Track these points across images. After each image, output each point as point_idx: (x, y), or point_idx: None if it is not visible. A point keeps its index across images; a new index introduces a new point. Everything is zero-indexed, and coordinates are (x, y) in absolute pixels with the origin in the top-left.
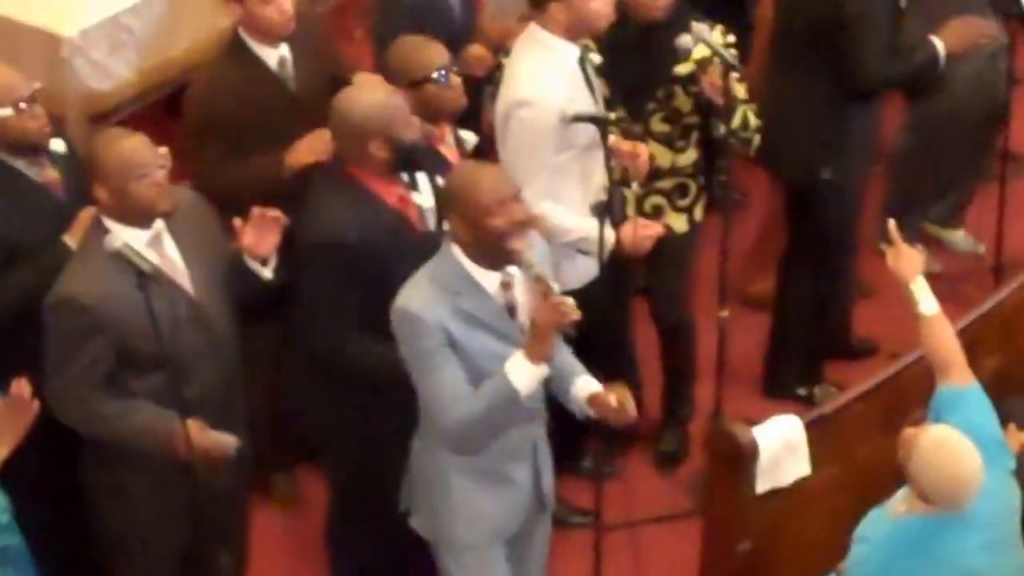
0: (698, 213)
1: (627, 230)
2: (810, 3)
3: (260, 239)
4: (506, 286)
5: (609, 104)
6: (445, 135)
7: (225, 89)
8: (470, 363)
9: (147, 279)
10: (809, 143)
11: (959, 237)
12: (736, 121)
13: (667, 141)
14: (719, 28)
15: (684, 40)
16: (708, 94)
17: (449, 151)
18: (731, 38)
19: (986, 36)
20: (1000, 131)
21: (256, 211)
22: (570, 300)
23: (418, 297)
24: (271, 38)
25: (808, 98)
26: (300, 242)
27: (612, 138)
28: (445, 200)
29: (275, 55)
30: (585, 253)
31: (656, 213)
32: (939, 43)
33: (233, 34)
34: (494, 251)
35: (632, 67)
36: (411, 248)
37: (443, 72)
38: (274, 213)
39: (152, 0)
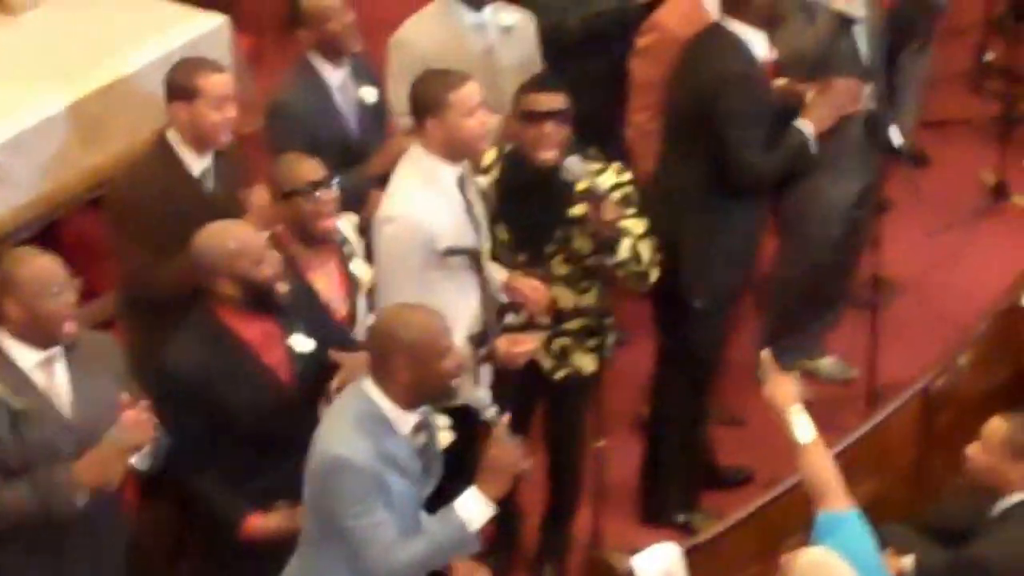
0: (607, 351)
1: (501, 343)
2: (689, 99)
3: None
4: (419, 428)
5: (504, 248)
6: (328, 260)
7: (146, 191)
8: (391, 505)
9: (19, 417)
10: (682, 265)
11: (828, 364)
12: (625, 253)
13: (569, 282)
14: (615, 166)
15: (568, 170)
16: (596, 227)
17: (326, 280)
18: (627, 175)
19: (851, 105)
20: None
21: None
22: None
23: (345, 441)
24: (205, 145)
25: (688, 196)
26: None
27: (507, 274)
28: (382, 344)
29: (200, 164)
30: None
31: (564, 355)
32: (806, 125)
33: (160, 137)
34: (437, 392)
35: (530, 210)
36: (255, 387)
37: (313, 187)
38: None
39: (20, 140)
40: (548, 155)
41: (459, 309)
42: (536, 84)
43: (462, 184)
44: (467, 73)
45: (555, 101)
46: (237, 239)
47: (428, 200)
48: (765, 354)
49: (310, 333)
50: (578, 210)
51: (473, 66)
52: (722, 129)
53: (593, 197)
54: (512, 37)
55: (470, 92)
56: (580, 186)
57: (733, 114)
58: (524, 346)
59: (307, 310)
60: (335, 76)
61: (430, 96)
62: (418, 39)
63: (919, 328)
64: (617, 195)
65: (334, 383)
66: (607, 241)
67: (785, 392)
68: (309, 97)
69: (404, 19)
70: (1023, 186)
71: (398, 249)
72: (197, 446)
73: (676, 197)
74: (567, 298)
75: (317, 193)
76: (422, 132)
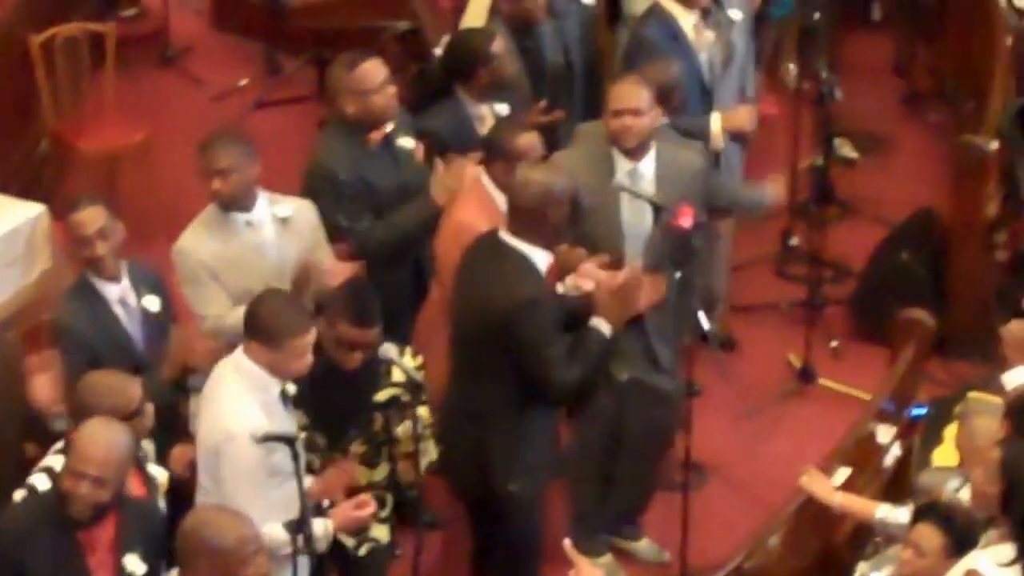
0: (394, 521)
1: (342, 510)
2: (477, 322)
3: None
4: None
5: (310, 432)
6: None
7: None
8: None
9: None
10: (491, 456)
11: (643, 547)
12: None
13: (364, 459)
14: (408, 349)
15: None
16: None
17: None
18: (420, 359)
19: (646, 300)
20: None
21: None
22: None
23: None
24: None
25: (489, 409)
26: None
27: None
28: (188, 546)
29: None
30: None
31: (361, 530)
32: (602, 323)
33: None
34: None
35: (335, 397)
36: None
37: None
38: None
39: None
40: (347, 367)
41: (279, 498)
42: (356, 318)
43: (283, 395)
44: (308, 320)
45: (368, 337)
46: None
47: (260, 412)
48: (566, 544)
49: (147, 552)
50: (382, 396)
51: (253, 264)
52: (522, 356)
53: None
54: (291, 228)
55: (307, 339)
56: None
57: (530, 340)
58: (365, 510)
59: (146, 527)
60: (113, 290)
61: (270, 329)
62: (195, 247)
63: (730, 510)
64: (421, 375)
65: None
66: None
67: None
68: (88, 315)
69: (180, 228)
70: (829, 369)
71: (246, 465)
72: None
73: (476, 412)
74: (362, 475)
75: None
76: (247, 345)
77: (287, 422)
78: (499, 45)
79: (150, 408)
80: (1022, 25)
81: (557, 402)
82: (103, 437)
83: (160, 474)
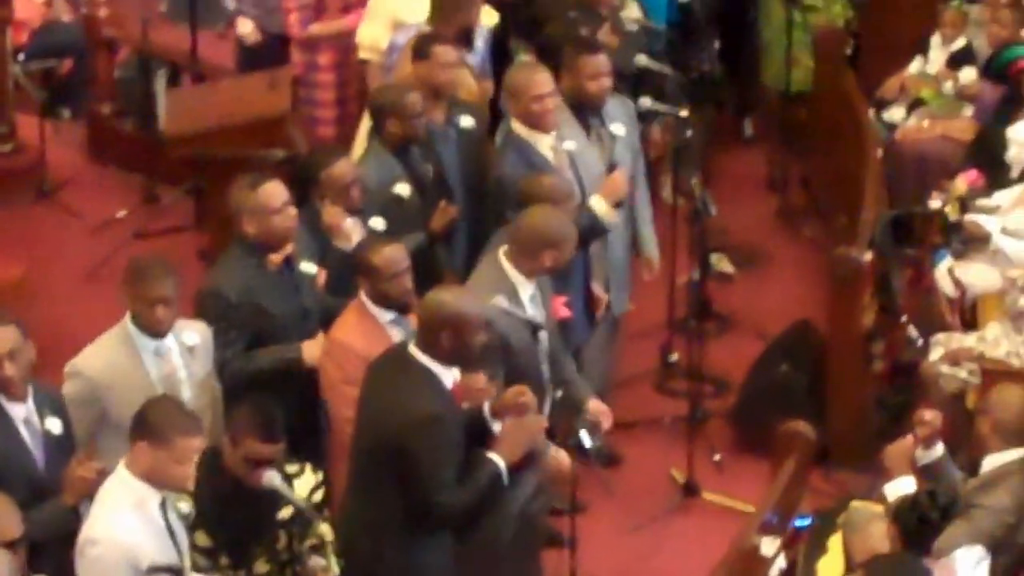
0: None
1: None
2: (374, 434)
3: None
4: None
5: (202, 553)
6: None
7: None
8: None
9: None
10: (384, 572)
11: None
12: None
13: None
14: (309, 466)
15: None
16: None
17: None
18: (321, 475)
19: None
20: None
21: None
22: None
23: None
24: None
25: (383, 523)
26: None
27: None
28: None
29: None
30: None
31: None
32: (498, 458)
33: None
34: None
35: (236, 515)
36: None
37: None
38: None
39: None
40: (249, 482)
41: None
42: (261, 435)
43: (163, 508)
44: (199, 422)
45: (269, 452)
46: None
47: (132, 522)
48: None
49: None
50: (284, 513)
51: (154, 390)
52: (410, 472)
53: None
54: (197, 355)
55: (195, 445)
56: (284, 513)
57: (421, 457)
58: None
59: None
60: (19, 411)
61: (157, 428)
62: (92, 368)
63: None
64: (319, 495)
65: None
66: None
67: None
68: None
69: (59, 363)
70: (713, 482)
71: (101, 570)
72: None
73: (370, 525)
74: None
75: None
76: (131, 451)
77: (166, 543)
78: (345, 163)
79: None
80: (891, 138)
81: (438, 526)
82: None
83: None
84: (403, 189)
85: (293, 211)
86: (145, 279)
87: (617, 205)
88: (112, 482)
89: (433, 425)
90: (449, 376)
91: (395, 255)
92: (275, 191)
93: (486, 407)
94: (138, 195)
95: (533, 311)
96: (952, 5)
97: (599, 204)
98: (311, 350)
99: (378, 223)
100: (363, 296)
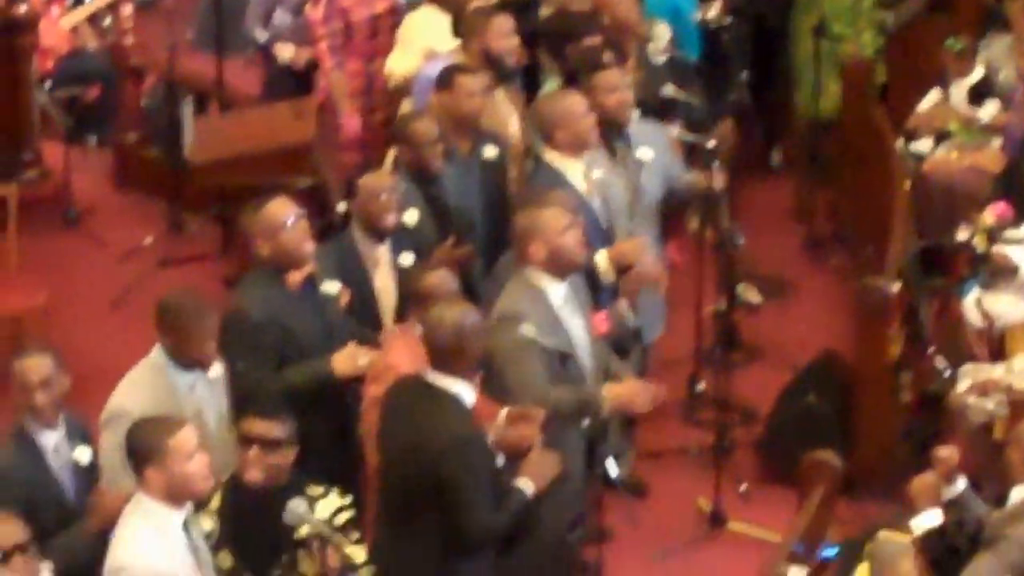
0: None
1: None
2: (407, 464)
3: None
4: None
5: (235, 573)
6: None
7: None
8: None
9: None
10: None
11: None
12: None
13: None
14: (336, 490)
15: (290, 514)
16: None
17: None
18: (349, 498)
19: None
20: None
21: None
22: None
23: None
24: None
25: (415, 559)
26: None
27: None
28: None
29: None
30: None
31: None
32: (527, 484)
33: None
34: None
35: (254, 533)
36: None
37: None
38: None
39: None
40: (249, 477)
41: None
42: (256, 410)
43: (187, 527)
44: (181, 418)
45: (264, 428)
46: None
47: (155, 547)
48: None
49: None
50: (304, 532)
51: None
52: (447, 496)
53: (319, 541)
54: (216, 390)
55: (187, 436)
56: (303, 531)
57: (458, 480)
58: None
59: None
60: (50, 438)
61: (147, 445)
62: (132, 408)
63: None
64: (341, 519)
65: None
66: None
67: None
68: (24, 463)
69: (120, 374)
70: (739, 512)
71: None
72: None
73: (405, 562)
74: None
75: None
76: (143, 481)
77: (189, 564)
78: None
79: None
80: (919, 168)
81: (475, 548)
82: None
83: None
84: (411, 217)
85: (303, 224)
86: (200, 316)
87: (624, 270)
88: (131, 508)
89: (469, 447)
90: (470, 396)
91: (441, 279)
92: (279, 209)
93: (489, 439)
94: (164, 223)
95: (568, 315)
96: (947, 45)
97: (602, 261)
98: (342, 363)
99: (408, 258)
100: (414, 322)
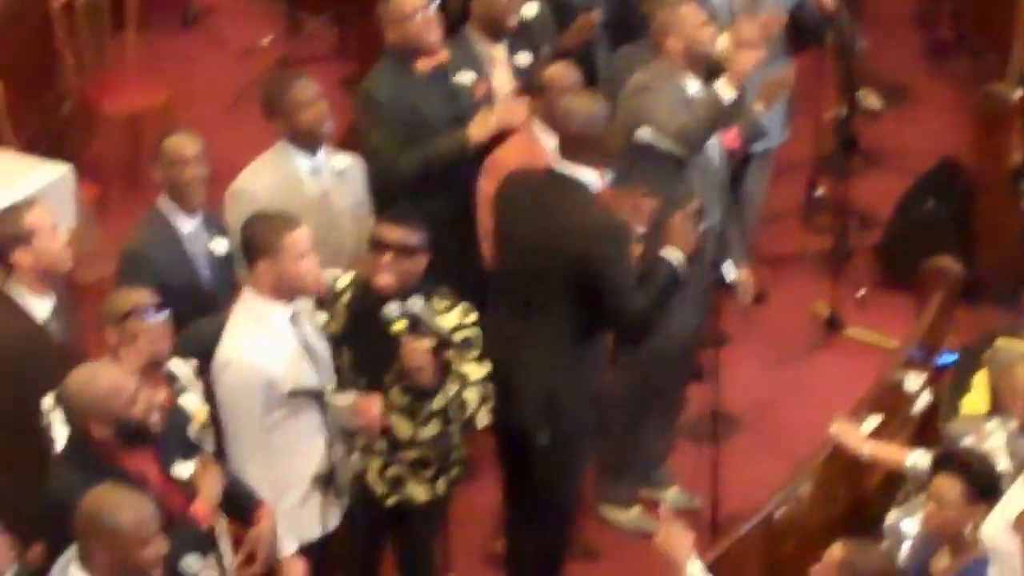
0: (441, 487)
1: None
2: (540, 253)
3: None
4: None
5: (347, 371)
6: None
7: None
8: None
9: None
10: (529, 405)
11: (673, 494)
12: (442, 401)
13: (408, 412)
14: (462, 307)
15: (389, 309)
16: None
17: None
18: (472, 317)
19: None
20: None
21: None
22: None
23: None
24: (49, 281)
25: (537, 350)
26: None
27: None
28: (83, 527)
29: (44, 308)
30: None
31: (397, 483)
32: (672, 253)
33: None
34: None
35: (371, 338)
36: None
37: (143, 312)
38: None
39: None
40: (380, 282)
41: (304, 449)
42: (391, 216)
43: (296, 322)
44: (296, 216)
45: (396, 234)
46: (107, 382)
47: (260, 342)
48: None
49: (187, 456)
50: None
51: (310, 211)
52: (600, 282)
53: (405, 337)
54: (345, 180)
55: (301, 235)
56: (397, 327)
57: (610, 266)
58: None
59: (181, 434)
60: (187, 225)
61: (262, 239)
62: (255, 189)
63: (759, 459)
64: (459, 336)
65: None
66: (419, 387)
67: (679, 544)
68: (161, 245)
69: (237, 172)
70: (856, 318)
71: (237, 394)
72: None
73: (537, 350)
74: (404, 428)
75: (148, 318)
76: (253, 274)
77: (300, 357)
78: None
79: None
80: None
81: (626, 332)
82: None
83: (196, 405)
84: (530, 9)
85: (429, 14)
86: (304, 89)
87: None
88: (239, 306)
89: (616, 231)
90: (597, 184)
91: (562, 71)
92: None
93: None
94: (282, 22)
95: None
96: None
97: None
98: (478, 128)
99: (524, 57)
100: (536, 119)
